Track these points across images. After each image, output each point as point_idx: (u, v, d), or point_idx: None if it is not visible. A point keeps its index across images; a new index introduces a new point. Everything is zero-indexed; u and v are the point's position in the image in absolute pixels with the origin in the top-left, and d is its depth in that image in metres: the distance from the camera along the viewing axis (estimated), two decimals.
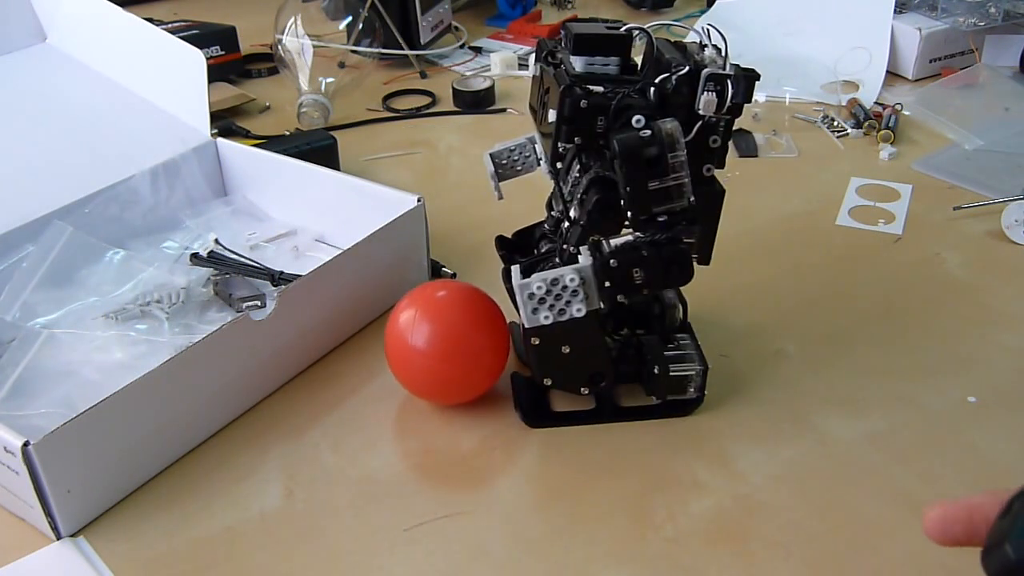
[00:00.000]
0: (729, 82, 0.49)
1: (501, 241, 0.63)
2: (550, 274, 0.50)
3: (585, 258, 0.51)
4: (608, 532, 0.50)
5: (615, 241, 0.53)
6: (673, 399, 0.57)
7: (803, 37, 1.14)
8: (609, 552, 0.49)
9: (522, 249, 0.62)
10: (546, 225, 0.61)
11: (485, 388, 0.58)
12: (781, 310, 0.69)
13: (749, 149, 0.93)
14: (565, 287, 0.51)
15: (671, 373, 0.56)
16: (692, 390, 0.57)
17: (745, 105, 0.50)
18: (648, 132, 0.48)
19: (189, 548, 0.50)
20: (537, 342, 0.54)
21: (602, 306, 0.52)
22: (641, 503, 0.52)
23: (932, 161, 0.90)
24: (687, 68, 0.49)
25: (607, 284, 0.51)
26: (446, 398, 0.59)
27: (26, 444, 0.46)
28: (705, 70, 0.49)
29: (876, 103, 1.02)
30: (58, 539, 0.50)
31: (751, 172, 0.90)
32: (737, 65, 0.50)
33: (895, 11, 1.10)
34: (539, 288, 0.51)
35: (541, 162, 0.60)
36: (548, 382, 0.56)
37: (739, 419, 0.58)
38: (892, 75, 1.09)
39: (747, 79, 0.49)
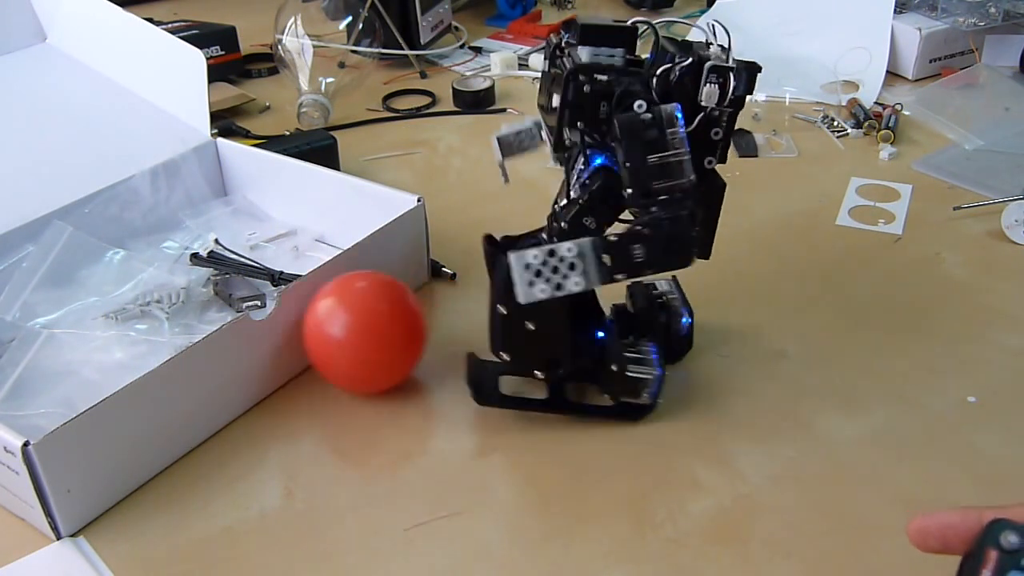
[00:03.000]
0: (731, 74, 0.50)
1: (489, 239, 0.62)
2: (547, 247, 0.49)
3: (587, 237, 0.51)
4: (608, 532, 0.50)
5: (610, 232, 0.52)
6: (626, 401, 0.56)
7: (803, 37, 1.14)
8: (609, 552, 0.49)
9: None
10: (543, 235, 0.60)
11: (400, 375, 0.60)
12: (781, 310, 0.69)
13: (749, 149, 0.93)
14: (563, 259, 0.49)
15: (628, 374, 0.55)
16: (646, 395, 0.56)
17: (747, 101, 0.51)
18: (649, 116, 0.49)
19: (189, 548, 0.50)
20: (505, 312, 0.53)
21: (597, 286, 0.51)
22: (641, 503, 0.52)
23: (932, 161, 0.90)
24: (690, 60, 0.50)
25: (605, 260, 0.49)
26: (359, 385, 0.61)
27: (26, 444, 0.47)
28: (708, 62, 0.50)
29: (876, 103, 1.02)
30: (58, 539, 0.50)
31: (751, 172, 0.90)
32: (738, 60, 0.51)
33: (895, 11, 1.10)
34: (535, 258, 0.49)
35: (548, 142, 0.60)
36: (506, 357, 0.55)
37: (739, 419, 0.58)
38: (892, 75, 1.09)
39: (749, 71, 0.50)
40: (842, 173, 0.88)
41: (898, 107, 0.99)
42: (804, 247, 0.77)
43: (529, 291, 0.49)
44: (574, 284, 0.49)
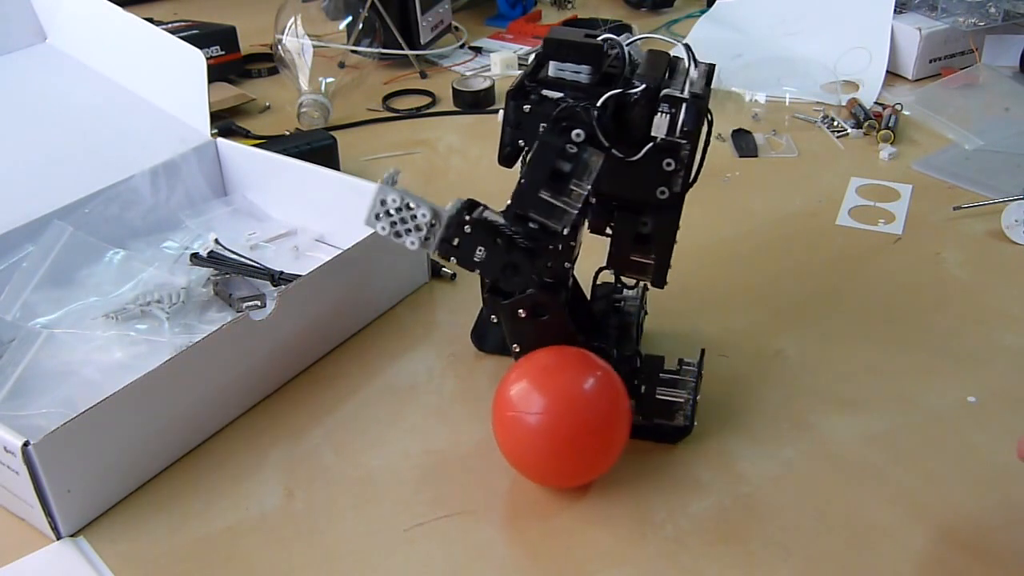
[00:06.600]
0: (684, 106, 0.48)
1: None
2: (411, 198, 0.50)
3: (454, 205, 0.51)
4: (608, 532, 0.50)
5: (492, 215, 0.52)
6: (660, 423, 0.56)
7: (803, 37, 1.14)
8: (609, 552, 0.49)
9: None
10: None
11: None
12: (781, 310, 0.69)
13: (749, 149, 0.93)
14: (414, 216, 0.50)
15: (657, 396, 0.55)
16: (681, 418, 0.55)
17: (702, 135, 0.49)
18: (574, 150, 0.48)
19: (189, 548, 0.50)
20: (517, 349, 0.54)
21: (432, 254, 0.52)
22: (641, 503, 0.52)
23: (932, 161, 0.90)
24: (643, 86, 0.48)
25: (450, 241, 0.51)
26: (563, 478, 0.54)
27: (26, 444, 0.47)
28: (664, 91, 0.48)
29: (876, 103, 1.02)
30: (58, 539, 0.50)
31: (751, 172, 0.90)
32: (707, 89, 0.49)
33: (895, 11, 1.10)
34: (393, 201, 0.50)
35: None
36: (517, 348, 0.55)
37: (739, 419, 0.58)
38: (892, 75, 1.09)
39: (697, 106, 0.48)
40: (842, 173, 0.88)
41: (898, 107, 0.99)
42: (804, 247, 0.77)
43: (372, 221, 0.51)
44: (410, 243, 0.51)
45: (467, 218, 0.50)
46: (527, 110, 0.50)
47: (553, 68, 0.51)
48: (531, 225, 0.50)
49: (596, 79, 0.50)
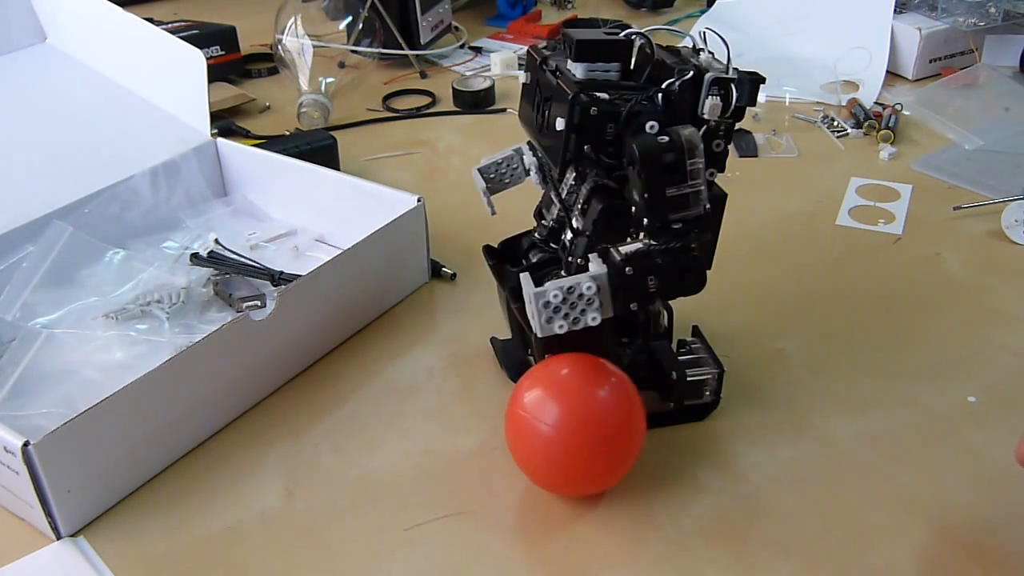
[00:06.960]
0: (733, 86, 0.48)
1: (489, 250, 0.62)
2: (566, 282, 0.49)
3: (597, 266, 0.50)
4: (608, 532, 0.50)
5: (624, 248, 0.51)
6: (689, 404, 0.57)
7: (803, 37, 1.14)
8: (609, 552, 0.49)
9: (510, 259, 0.61)
10: (536, 235, 0.60)
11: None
12: (781, 310, 0.69)
13: (749, 149, 0.93)
14: (581, 295, 0.49)
15: (688, 378, 0.55)
16: (708, 394, 0.56)
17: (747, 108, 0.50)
18: (666, 138, 0.47)
19: (189, 548, 0.50)
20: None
21: (611, 315, 0.50)
22: (641, 503, 0.52)
23: (932, 161, 0.90)
24: (691, 73, 0.48)
25: (621, 292, 0.49)
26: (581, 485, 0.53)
27: (26, 444, 0.47)
28: (709, 74, 0.48)
29: (876, 103, 1.02)
30: (58, 539, 0.50)
31: (751, 172, 0.90)
32: (737, 69, 0.49)
33: (895, 11, 1.10)
34: (555, 296, 0.48)
35: (531, 172, 0.60)
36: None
37: (739, 419, 0.58)
38: (892, 75, 1.09)
39: (752, 82, 0.48)
40: (842, 173, 0.88)
41: (898, 107, 0.99)
42: (804, 247, 0.77)
43: (547, 327, 0.49)
44: (591, 319, 0.49)
45: (615, 264, 0.49)
46: (594, 113, 0.49)
47: (582, 70, 0.51)
48: (674, 227, 0.49)
49: (623, 76, 0.51)
